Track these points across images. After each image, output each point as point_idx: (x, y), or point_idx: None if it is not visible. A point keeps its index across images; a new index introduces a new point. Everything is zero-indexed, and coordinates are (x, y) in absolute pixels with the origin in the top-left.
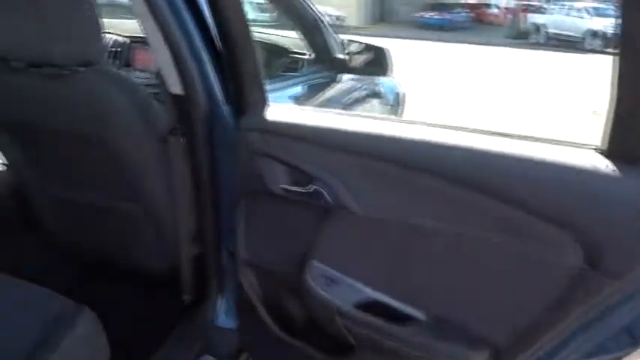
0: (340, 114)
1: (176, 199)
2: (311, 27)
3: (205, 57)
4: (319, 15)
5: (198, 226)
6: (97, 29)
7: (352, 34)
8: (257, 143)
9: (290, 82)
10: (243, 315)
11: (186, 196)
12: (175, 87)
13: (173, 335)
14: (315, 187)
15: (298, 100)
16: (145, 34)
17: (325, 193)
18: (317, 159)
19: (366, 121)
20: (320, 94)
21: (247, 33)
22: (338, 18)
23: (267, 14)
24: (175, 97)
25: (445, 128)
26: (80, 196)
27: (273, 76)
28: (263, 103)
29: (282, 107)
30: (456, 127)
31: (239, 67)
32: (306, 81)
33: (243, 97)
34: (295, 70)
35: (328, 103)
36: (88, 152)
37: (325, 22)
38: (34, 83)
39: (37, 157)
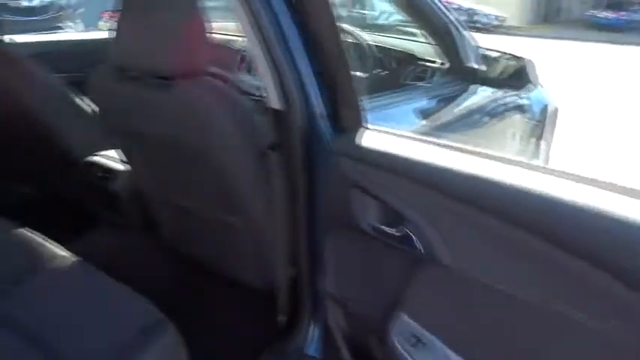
0: (446, 146)
1: (274, 216)
2: (442, 32)
3: (306, 72)
4: (452, 19)
5: (294, 246)
6: (202, 41)
7: (511, 35)
8: (347, 170)
9: (417, 93)
10: (327, 348)
11: (282, 215)
12: (274, 101)
13: (263, 357)
14: (405, 229)
15: (424, 113)
16: (249, 45)
17: (416, 239)
18: (410, 197)
19: (475, 159)
20: (450, 107)
21: (341, 52)
22: (497, 18)
23: None
24: (275, 112)
25: (578, 181)
26: (187, 204)
27: (399, 86)
28: (358, 124)
29: (381, 130)
30: (594, 181)
31: (333, 86)
32: (435, 92)
33: (338, 117)
34: (424, 79)
35: (458, 119)
36: (191, 162)
37: (459, 27)
38: (143, 92)
39: (149, 161)
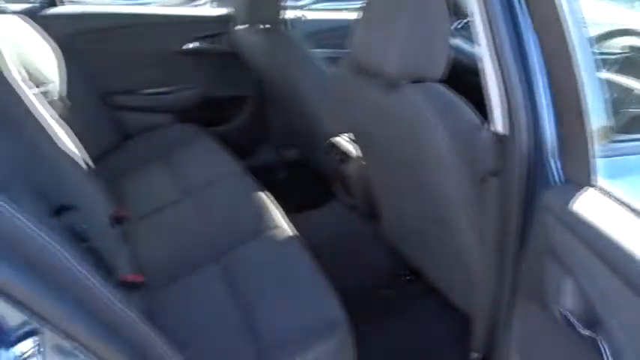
0: None
1: (482, 245)
2: None
3: (542, 101)
4: None
5: (497, 286)
6: (441, 46)
7: None
8: (551, 230)
9: None
10: None
11: (491, 249)
12: (499, 125)
13: None
14: (600, 338)
15: None
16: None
17: (606, 351)
18: (613, 294)
19: None
20: None
21: (576, 90)
22: None
23: None
24: (497, 136)
25: None
26: (402, 205)
27: None
28: (583, 179)
29: (614, 196)
30: None
31: (563, 126)
32: None
33: (564, 163)
34: None
35: None
36: (406, 167)
37: None
38: (371, 89)
39: (372, 155)
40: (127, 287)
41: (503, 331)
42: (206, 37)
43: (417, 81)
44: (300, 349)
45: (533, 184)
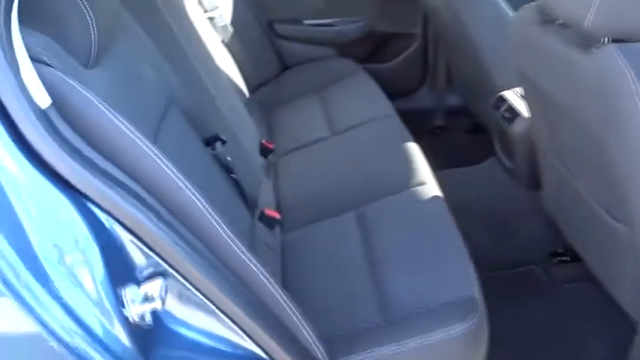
0: None
1: None
2: None
3: None
4: None
5: None
6: None
7: None
8: None
9: None
10: None
11: None
12: None
13: None
14: None
15: None
16: None
17: None
18: None
19: None
20: None
21: None
22: None
23: None
24: None
25: None
26: (574, 182)
27: None
28: None
29: None
30: None
31: None
32: None
33: None
34: None
35: None
36: (586, 136)
37: None
38: (557, 44)
39: (545, 119)
40: (265, 222)
41: None
42: None
43: (620, 40)
44: (428, 327)
45: None
